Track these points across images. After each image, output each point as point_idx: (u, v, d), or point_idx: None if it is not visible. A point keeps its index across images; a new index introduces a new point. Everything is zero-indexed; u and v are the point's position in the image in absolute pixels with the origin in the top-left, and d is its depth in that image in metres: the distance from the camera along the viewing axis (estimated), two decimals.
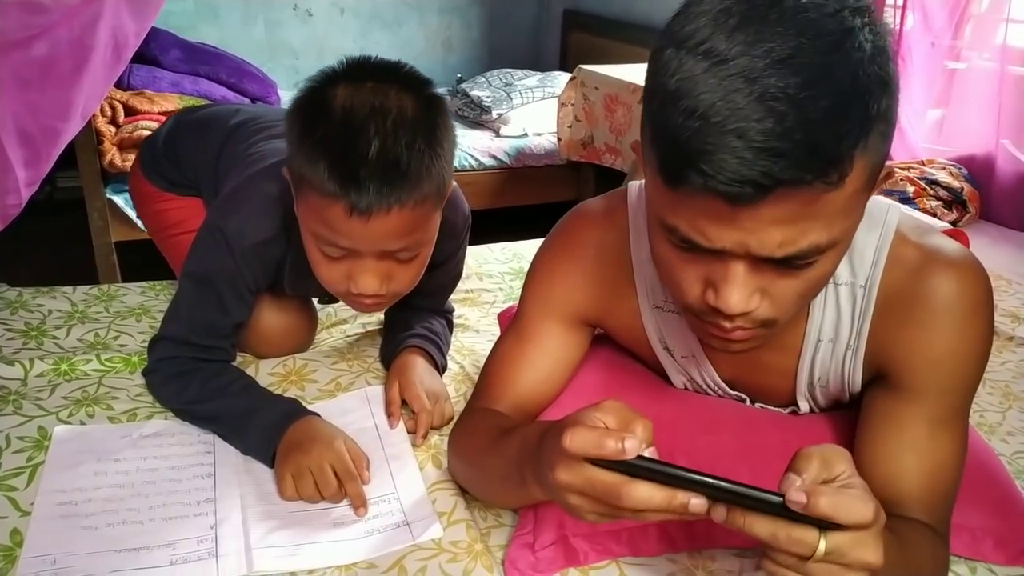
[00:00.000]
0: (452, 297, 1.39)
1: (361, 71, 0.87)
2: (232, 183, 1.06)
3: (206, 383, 1.00)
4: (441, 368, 1.13)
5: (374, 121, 0.83)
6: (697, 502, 0.53)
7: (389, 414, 1.03)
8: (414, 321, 1.16)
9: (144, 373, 1.06)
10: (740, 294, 0.60)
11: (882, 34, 0.56)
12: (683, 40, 0.55)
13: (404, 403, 1.04)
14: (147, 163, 1.32)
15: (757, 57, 0.52)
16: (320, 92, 0.86)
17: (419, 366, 1.07)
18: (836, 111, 0.53)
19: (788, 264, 0.59)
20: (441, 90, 0.92)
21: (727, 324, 0.64)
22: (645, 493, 0.54)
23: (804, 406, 0.85)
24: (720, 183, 0.53)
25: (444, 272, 1.16)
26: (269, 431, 0.93)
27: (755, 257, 0.59)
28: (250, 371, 1.12)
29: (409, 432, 1.01)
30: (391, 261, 0.91)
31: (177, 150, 1.28)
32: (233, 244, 0.98)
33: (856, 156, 0.55)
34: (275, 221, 0.99)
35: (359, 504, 0.86)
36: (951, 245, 0.73)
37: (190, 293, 1.02)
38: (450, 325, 1.24)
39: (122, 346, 1.16)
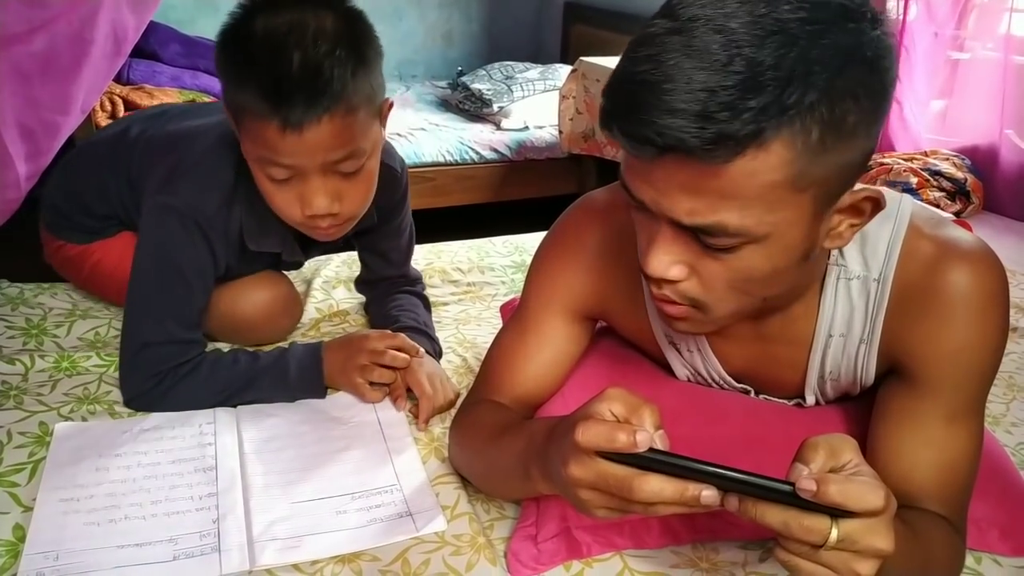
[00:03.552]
0: (453, 291, 1.40)
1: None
2: (163, 162, 1.02)
3: (214, 374, 1.00)
4: (436, 355, 1.14)
5: (293, 35, 0.85)
6: (709, 493, 0.53)
7: (395, 398, 1.03)
8: (397, 311, 1.17)
9: (134, 397, 0.99)
10: (658, 259, 0.63)
11: (880, 43, 0.56)
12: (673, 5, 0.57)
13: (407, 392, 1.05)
14: (57, 226, 1.22)
15: (714, 22, 0.54)
16: (240, 22, 0.88)
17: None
18: (745, 87, 0.52)
19: (704, 243, 0.61)
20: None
21: (655, 290, 0.66)
22: (656, 486, 0.54)
23: (811, 399, 0.84)
24: (621, 136, 0.57)
25: (395, 230, 1.20)
26: (307, 364, 1.02)
27: (674, 222, 0.60)
28: None
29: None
30: (336, 177, 0.92)
31: (80, 195, 1.18)
32: (197, 217, 0.97)
33: (761, 143, 0.54)
34: (227, 183, 0.99)
35: (415, 352, 1.04)
36: (966, 237, 0.72)
37: (154, 286, 0.99)
38: (426, 303, 1.26)
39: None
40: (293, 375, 1.02)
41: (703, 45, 0.53)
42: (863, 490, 0.51)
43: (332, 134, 0.87)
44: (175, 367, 0.99)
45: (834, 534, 0.51)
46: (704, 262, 0.63)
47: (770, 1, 0.54)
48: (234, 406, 1.01)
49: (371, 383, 1.03)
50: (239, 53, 0.87)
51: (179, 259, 0.98)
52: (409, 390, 1.04)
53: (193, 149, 1.02)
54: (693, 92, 0.53)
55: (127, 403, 1.01)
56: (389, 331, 1.08)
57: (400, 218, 1.20)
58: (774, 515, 0.52)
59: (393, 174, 1.13)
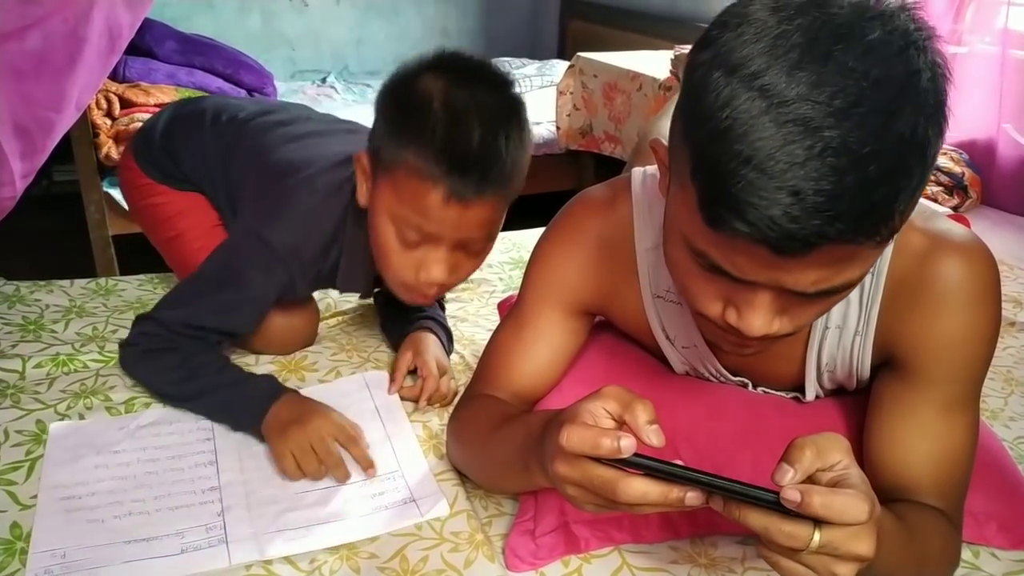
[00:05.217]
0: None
1: (453, 66, 0.89)
2: (271, 190, 1.03)
3: (186, 360, 0.99)
4: (448, 353, 1.15)
5: (475, 113, 0.85)
6: (693, 495, 0.54)
7: (393, 379, 1.04)
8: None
9: (122, 345, 1.03)
10: (763, 320, 0.60)
11: (942, 66, 0.53)
12: (735, 67, 0.52)
13: (410, 374, 1.06)
14: (141, 153, 1.27)
15: (819, 104, 0.49)
16: (415, 81, 0.88)
17: (432, 341, 1.10)
18: (896, 167, 0.51)
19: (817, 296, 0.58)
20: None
21: (749, 348, 0.64)
22: (641, 488, 0.54)
23: (810, 392, 0.84)
24: (768, 237, 0.52)
25: None
26: (255, 405, 0.94)
27: (785, 290, 0.57)
28: (250, 361, 1.12)
29: (405, 398, 1.03)
30: (461, 252, 0.93)
31: (175, 143, 1.24)
32: (289, 261, 0.98)
33: (907, 208, 0.53)
34: (329, 232, 1.00)
35: (367, 465, 0.89)
36: (958, 229, 0.72)
37: (207, 290, 1.00)
38: (443, 310, 1.27)
39: (120, 339, 1.15)
40: (237, 404, 0.96)
41: (826, 127, 0.49)
42: (847, 504, 0.50)
43: (489, 213, 0.90)
44: (163, 336, 0.99)
45: (816, 539, 0.51)
46: (802, 306, 0.60)
47: (849, 57, 0.50)
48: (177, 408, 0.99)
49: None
50: (418, 113, 0.86)
51: (251, 283, 1.00)
52: (412, 372, 1.05)
53: (302, 190, 1.01)
54: (846, 187, 0.49)
55: (121, 344, 1.04)
56: (352, 425, 0.94)
57: None
58: (756, 519, 0.53)
59: None
